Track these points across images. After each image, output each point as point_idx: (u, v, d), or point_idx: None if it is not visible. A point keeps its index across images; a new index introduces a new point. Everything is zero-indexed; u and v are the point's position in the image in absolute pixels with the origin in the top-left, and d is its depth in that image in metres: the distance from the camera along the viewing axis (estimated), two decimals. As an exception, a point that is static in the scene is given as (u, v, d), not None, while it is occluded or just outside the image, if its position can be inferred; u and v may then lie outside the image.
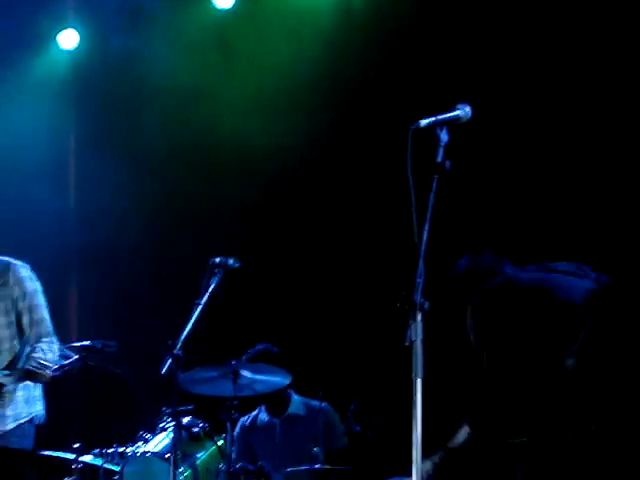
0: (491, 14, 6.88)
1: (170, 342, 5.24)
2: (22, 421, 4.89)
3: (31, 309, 4.86)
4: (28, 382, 4.99)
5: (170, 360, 5.20)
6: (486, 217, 6.66)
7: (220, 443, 5.78)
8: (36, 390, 5.00)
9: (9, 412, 4.86)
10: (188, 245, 7.48)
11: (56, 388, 6.08)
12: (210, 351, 6.24)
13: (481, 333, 3.86)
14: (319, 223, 7.35)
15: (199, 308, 5.37)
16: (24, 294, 4.87)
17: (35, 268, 5.45)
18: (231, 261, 5.51)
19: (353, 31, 7.34)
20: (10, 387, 4.96)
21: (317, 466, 5.71)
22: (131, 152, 7.77)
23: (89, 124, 8.02)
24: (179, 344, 5.22)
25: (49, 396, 5.83)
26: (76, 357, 6.07)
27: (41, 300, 4.88)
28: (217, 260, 5.47)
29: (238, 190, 7.58)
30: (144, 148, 7.77)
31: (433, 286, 3.47)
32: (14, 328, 4.88)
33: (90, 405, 6.51)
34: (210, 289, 5.42)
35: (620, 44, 6.46)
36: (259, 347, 6.36)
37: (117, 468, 5.69)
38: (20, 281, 4.88)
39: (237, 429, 6.32)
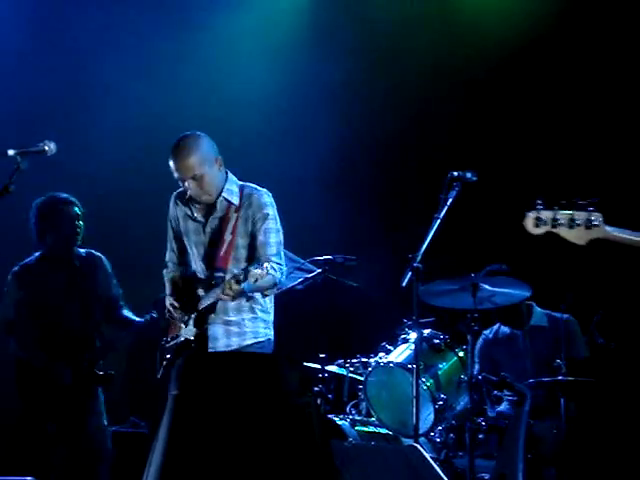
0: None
1: (410, 255, 5.32)
2: (261, 339, 5.07)
3: (265, 232, 5.03)
4: (267, 306, 5.17)
5: (410, 273, 5.29)
6: None
7: (461, 354, 5.83)
8: (271, 315, 5.18)
9: (247, 328, 5.05)
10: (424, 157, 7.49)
11: (299, 300, 6.31)
12: (450, 264, 6.26)
13: None
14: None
15: (437, 222, 5.41)
16: (261, 217, 5.04)
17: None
18: (469, 174, 5.48)
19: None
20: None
21: (560, 377, 5.66)
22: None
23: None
24: (419, 257, 5.29)
25: (292, 307, 6.05)
26: (318, 271, 6.27)
27: (273, 225, 5.04)
28: (455, 174, 5.45)
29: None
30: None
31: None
32: (251, 250, 5.07)
33: (331, 317, 6.69)
34: (448, 203, 5.43)
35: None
36: (488, 268, 6.26)
37: (361, 378, 5.88)
38: (261, 206, 5.05)
39: (480, 342, 6.34)
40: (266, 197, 5.11)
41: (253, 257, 5.02)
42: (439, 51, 7.55)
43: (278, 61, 7.77)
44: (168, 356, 5.10)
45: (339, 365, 6.06)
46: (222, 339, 5.01)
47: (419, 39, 7.57)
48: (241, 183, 5.18)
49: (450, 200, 5.44)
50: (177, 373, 3.93)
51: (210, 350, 4.96)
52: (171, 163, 5.01)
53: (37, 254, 6.13)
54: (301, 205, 7.05)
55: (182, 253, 5.26)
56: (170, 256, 5.31)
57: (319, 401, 5.79)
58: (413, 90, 7.55)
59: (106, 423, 6.06)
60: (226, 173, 5.12)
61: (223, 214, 5.08)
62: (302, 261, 6.54)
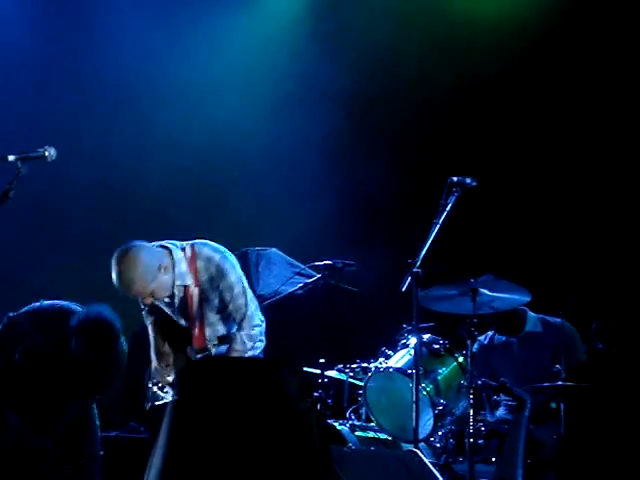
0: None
1: (410, 260, 5.32)
2: None
3: (232, 300, 5.09)
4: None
5: (410, 278, 5.29)
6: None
7: (460, 360, 5.82)
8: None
9: None
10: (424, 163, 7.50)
11: (299, 305, 6.32)
12: (449, 269, 6.26)
13: None
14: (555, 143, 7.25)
15: (437, 227, 5.42)
16: (224, 286, 5.12)
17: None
18: (468, 180, 5.48)
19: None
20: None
21: (559, 383, 5.66)
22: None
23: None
24: (418, 262, 5.29)
25: (292, 312, 6.06)
26: (318, 276, 6.28)
27: (237, 288, 5.10)
28: (454, 179, 5.46)
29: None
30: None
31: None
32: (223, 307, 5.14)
33: (331, 322, 6.69)
34: (448, 208, 5.44)
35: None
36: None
37: (361, 383, 5.87)
38: (220, 271, 5.09)
39: (475, 348, 6.34)
40: (217, 256, 5.09)
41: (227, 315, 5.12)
42: (439, 56, 7.57)
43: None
44: (157, 403, 5.11)
45: (339, 370, 6.06)
46: None
47: (419, 43, 7.59)
48: (185, 244, 5.14)
49: (449, 205, 5.45)
50: (177, 379, 3.94)
51: None
52: (119, 288, 4.95)
53: None
54: (302, 210, 7.06)
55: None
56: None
57: (319, 406, 5.79)
58: (414, 94, 7.57)
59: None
60: (170, 254, 5.05)
61: (183, 294, 5.10)
62: (302, 266, 6.56)
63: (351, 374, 5.98)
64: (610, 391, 5.79)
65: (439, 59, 7.53)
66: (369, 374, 5.81)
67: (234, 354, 4.89)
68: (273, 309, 5.93)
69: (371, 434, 5.83)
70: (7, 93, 7.45)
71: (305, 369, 5.82)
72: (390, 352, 5.90)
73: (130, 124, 7.62)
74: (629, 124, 7.10)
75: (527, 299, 5.83)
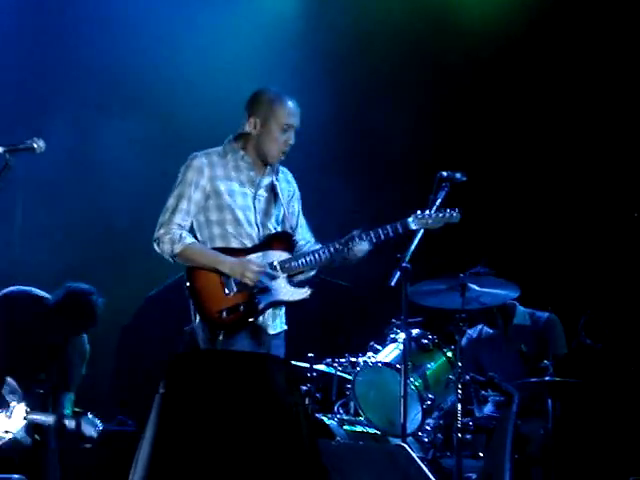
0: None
1: (399, 255, 5.32)
2: (280, 330, 5.06)
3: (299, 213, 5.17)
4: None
5: (399, 273, 5.28)
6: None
7: (449, 354, 5.85)
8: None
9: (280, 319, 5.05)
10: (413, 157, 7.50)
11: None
12: (438, 264, 6.28)
13: None
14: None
15: (426, 221, 5.40)
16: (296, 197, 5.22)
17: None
18: (458, 175, 5.47)
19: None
20: None
21: (547, 378, 5.68)
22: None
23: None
24: (407, 257, 5.29)
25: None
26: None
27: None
28: (444, 174, 5.44)
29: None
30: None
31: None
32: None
33: (320, 316, 6.69)
34: (437, 203, 5.42)
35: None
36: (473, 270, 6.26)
37: (350, 377, 5.88)
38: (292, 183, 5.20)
39: (464, 342, 6.35)
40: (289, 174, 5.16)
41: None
42: (431, 50, 7.56)
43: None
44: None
45: (327, 364, 6.06)
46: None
47: (416, 36, 7.58)
48: None
49: (439, 200, 5.44)
50: (166, 371, 3.93)
51: None
52: (292, 107, 4.95)
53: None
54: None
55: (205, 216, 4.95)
56: (183, 219, 4.87)
57: (307, 400, 5.79)
58: (388, 93, 7.56)
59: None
60: None
61: (270, 182, 5.03)
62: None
63: (340, 368, 5.99)
64: (596, 386, 5.81)
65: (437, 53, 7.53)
66: (358, 368, 5.82)
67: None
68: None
69: (359, 428, 5.84)
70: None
71: (293, 363, 5.80)
72: (379, 347, 5.91)
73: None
74: (621, 117, 7.08)
75: (515, 294, 5.86)
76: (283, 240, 5.01)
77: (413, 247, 5.30)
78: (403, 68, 7.61)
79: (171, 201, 4.93)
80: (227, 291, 4.84)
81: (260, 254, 4.92)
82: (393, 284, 5.28)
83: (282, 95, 4.98)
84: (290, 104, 4.96)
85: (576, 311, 6.11)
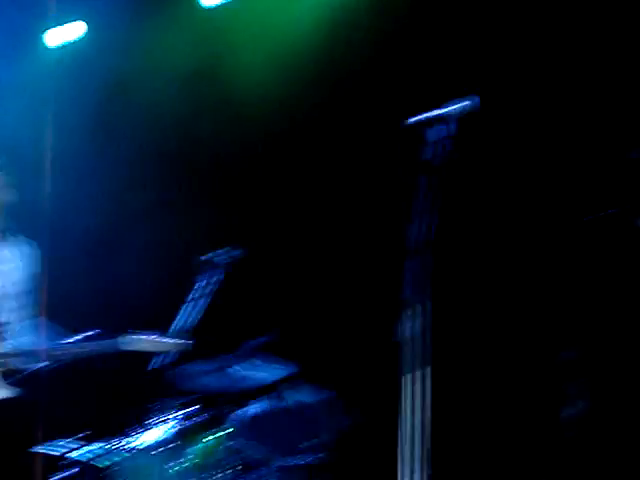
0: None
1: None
2: None
3: None
4: None
5: (163, 355, 5.25)
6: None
7: (216, 436, 5.80)
8: None
9: None
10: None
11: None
12: (203, 345, 6.25)
13: None
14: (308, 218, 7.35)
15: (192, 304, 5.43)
16: None
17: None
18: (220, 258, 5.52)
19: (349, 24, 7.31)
20: None
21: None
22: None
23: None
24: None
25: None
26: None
27: None
28: (206, 257, 5.49)
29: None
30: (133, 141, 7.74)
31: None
32: None
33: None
34: (206, 286, 5.46)
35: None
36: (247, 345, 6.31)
37: (104, 464, 5.68)
38: None
39: (229, 423, 6.34)
40: None
41: None
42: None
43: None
44: None
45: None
46: None
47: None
48: None
49: (210, 286, 5.48)
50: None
51: None
52: None
53: None
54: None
55: None
56: None
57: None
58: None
59: None
60: None
61: None
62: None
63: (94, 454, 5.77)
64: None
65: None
66: (114, 454, 5.61)
67: None
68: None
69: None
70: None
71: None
72: (141, 430, 5.76)
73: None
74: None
75: (282, 374, 5.92)
76: None
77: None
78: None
79: None
80: None
81: None
82: (158, 366, 5.25)
83: None
84: None
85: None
